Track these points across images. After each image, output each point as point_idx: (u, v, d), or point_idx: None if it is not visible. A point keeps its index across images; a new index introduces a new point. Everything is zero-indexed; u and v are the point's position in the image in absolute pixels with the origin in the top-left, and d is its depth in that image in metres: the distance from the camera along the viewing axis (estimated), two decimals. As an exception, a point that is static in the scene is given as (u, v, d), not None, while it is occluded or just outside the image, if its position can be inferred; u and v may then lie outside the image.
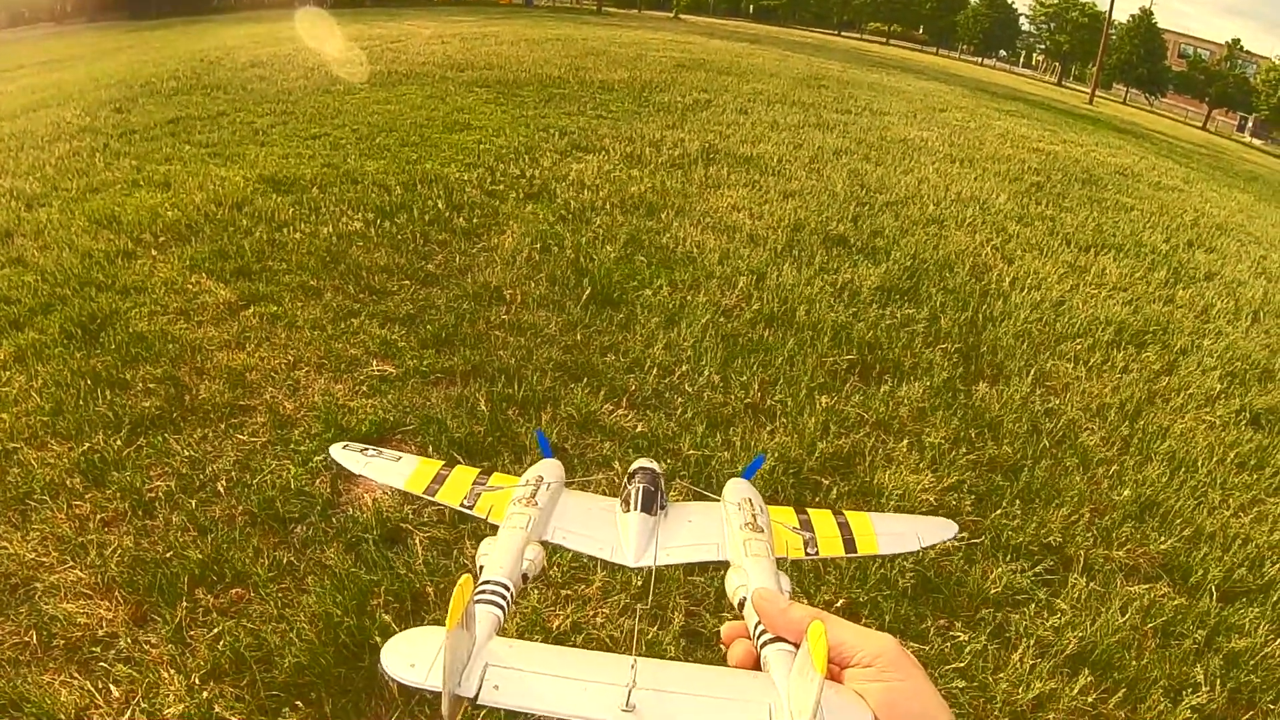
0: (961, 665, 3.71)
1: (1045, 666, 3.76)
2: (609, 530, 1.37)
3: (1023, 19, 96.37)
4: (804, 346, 6.27)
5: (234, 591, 3.82)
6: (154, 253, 7.46)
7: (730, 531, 1.33)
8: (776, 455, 4.90)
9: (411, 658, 1.03)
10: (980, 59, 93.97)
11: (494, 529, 1.37)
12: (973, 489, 4.96)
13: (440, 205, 8.78)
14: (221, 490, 4.45)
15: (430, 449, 4.79)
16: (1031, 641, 3.89)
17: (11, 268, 7.37)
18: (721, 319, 6.61)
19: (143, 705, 3.29)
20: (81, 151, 11.62)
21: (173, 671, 3.41)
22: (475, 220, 8.47)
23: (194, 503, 4.34)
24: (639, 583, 3.86)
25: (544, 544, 1.33)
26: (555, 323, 6.41)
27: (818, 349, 6.25)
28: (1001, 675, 3.68)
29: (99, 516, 4.26)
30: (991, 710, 3.54)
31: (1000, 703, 3.57)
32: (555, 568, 3.95)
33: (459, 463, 1.59)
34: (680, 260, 7.77)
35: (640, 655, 1.03)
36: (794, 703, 0.93)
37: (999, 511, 4.76)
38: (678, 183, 10.45)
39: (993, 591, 4.16)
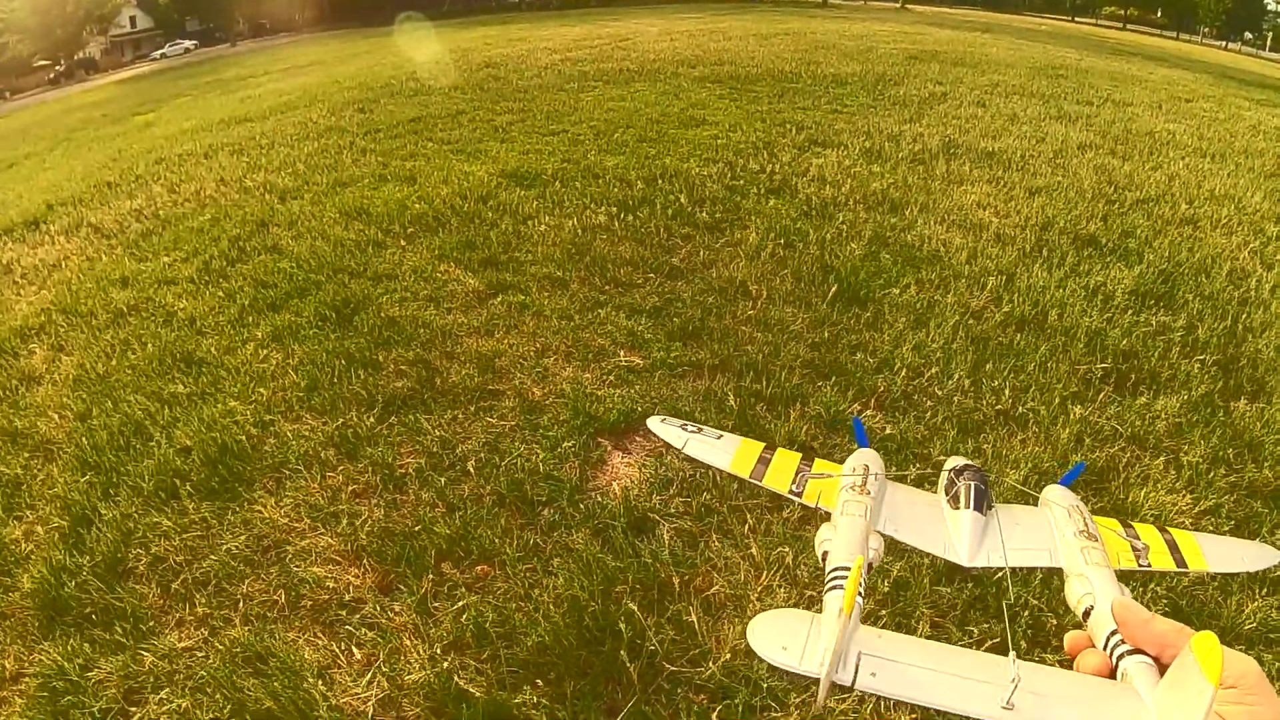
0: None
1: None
2: (938, 527, 1.35)
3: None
4: (1056, 353, 6.06)
5: (480, 568, 3.95)
6: (403, 242, 7.75)
7: (1063, 538, 1.29)
8: (1029, 464, 4.75)
9: (782, 640, 1.04)
10: (1224, 43, 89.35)
11: (825, 516, 1.37)
12: (1231, 514, 4.67)
13: (682, 200, 8.85)
14: (471, 470, 4.61)
15: (680, 441, 4.80)
16: None
17: (268, 254, 7.78)
18: (971, 321, 6.45)
19: (384, 669, 3.45)
20: (329, 148, 12.20)
21: (415, 640, 3.56)
22: (717, 215, 8.51)
23: (443, 480, 4.52)
24: (885, 588, 3.79)
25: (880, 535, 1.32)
26: (802, 319, 6.37)
27: (1071, 355, 6.03)
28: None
29: (350, 488, 4.49)
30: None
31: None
32: (801, 566, 3.94)
33: (779, 446, 1.56)
34: (926, 259, 7.63)
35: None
36: (1171, 715, 0.90)
37: (1259, 539, 4.50)
38: (919, 178, 10.28)
39: (1247, 627, 3.91)
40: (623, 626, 3.51)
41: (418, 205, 8.79)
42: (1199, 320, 6.84)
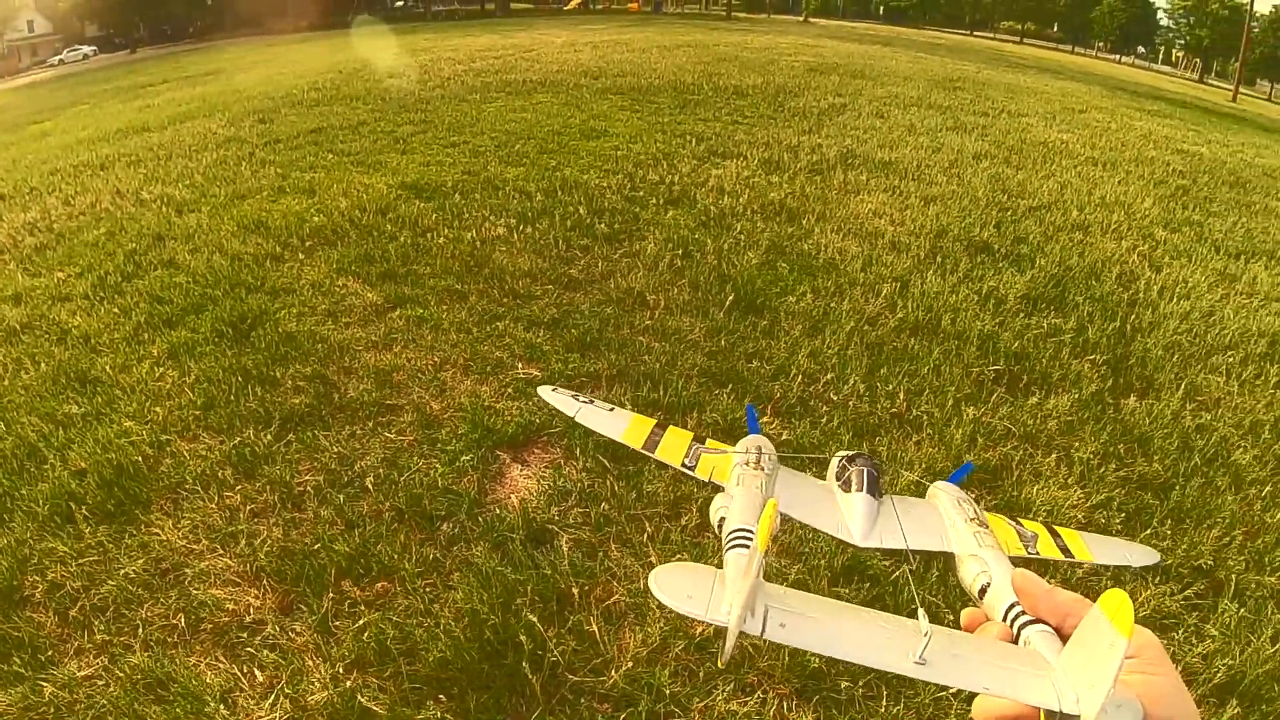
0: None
1: (1193, 695, 3.65)
2: (831, 509, 1.35)
3: (1160, 14, 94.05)
4: (950, 356, 6.19)
5: (380, 585, 3.92)
6: (301, 256, 7.68)
7: (954, 525, 1.31)
8: (923, 466, 4.84)
9: (687, 590, 1.02)
10: (1117, 56, 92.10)
11: (717, 490, 1.36)
12: (1122, 507, 4.82)
13: (581, 211, 8.87)
14: (369, 486, 4.57)
15: (577, 452, 4.83)
16: (1180, 668, 3.77)
17: (164, 269, 7.67)
18: (866, 327, 6.55)
19: (286, 691, 3.40)
20: (228, 160, 12.05)
21: (317, 660, 3.52)
22: (616, 226, 8.54)
23: (342, 497, 4.47)
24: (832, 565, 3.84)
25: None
26: (699, 328, 6.42)
27: (964, 359, 6.17)
28: (1149, 703, 3.59)
29: (249, 508, 4.43)
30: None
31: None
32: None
33: (670, 424, 1.56)
34: (822, 267, 7.73)
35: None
36: (1081, 673, 0.91)
37: (1148, 531, 4.64)
38: (816, 188, 10.40)
39: (1141, 614, 4.03)
40: (524, 639, 3.51)
41: (316, 218, 8.70)
42: (1089, 322, 7.03)
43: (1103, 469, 5.11)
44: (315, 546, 4.11)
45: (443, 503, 4.44)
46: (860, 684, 3.45)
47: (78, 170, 13.34)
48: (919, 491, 1.48)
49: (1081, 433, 5.49)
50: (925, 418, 5.41)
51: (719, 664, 0.97)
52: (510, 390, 5.50)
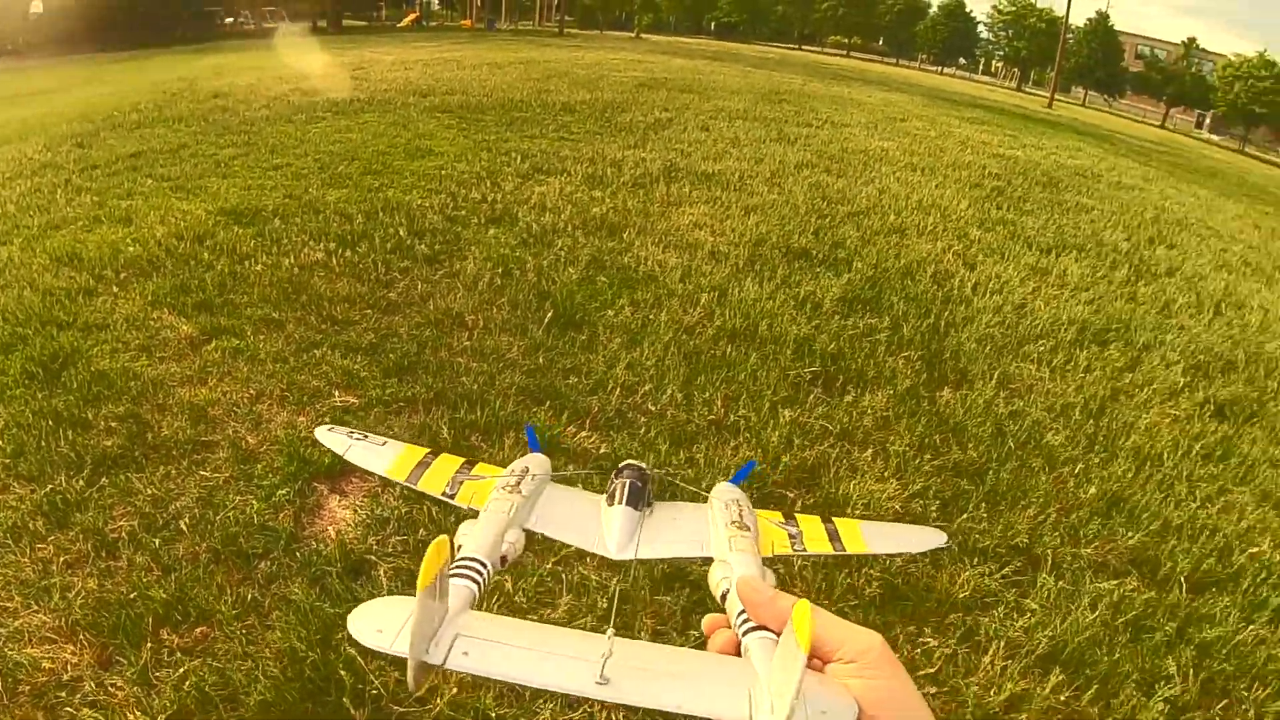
0: (932, 671, 3.72)
1: (1016, 668, 3.78)
2: (592, 523, 1.36)
3: (981, 27, 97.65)
4: (767, 361, 6.29)
5: (199, 630, 3.79)
6: (115, 289, 7.42)
7: (715, 529, 1.33)
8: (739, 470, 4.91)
9: (379, 624, 1.03)
10: (940, 68, 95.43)
11: (475, 515, 1.36)
12: (938, 494, 4.99)
13: (402, 233, 8.75)
14: (185, 528, 4.40)
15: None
16: (1002, 643, 3.90)
17: (-28, 308, 7.34)
18: (684, 337, 6.62)
19: (109, 749, 3.27)
20: (43, 188, 11.56)
21: (139, 714, 3.38)
22: (437, 247, 8.45)
23: (157, 542, 4.30)
24: (605, 604, 3.86)
25: (527, 532, 1.33)
26: (518, 347, 6.39)
27: (780, 363, 6.27)
28: (973, 679, 3.70)
29: (62, 559, 4.21)
30: (964, 714, 3.55)
31: (973, 705, 3.58)
32: (520, 593, 3.95)
33: (444, 451, 1.56)
34: (642, 279, 7.78)
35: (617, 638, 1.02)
36: (774, 685, 0.92)
37: (965, 515, 4.79)
38: (639, 202, 10.46)
39: (961, 595, 4.18)
40: (344, 674, 3.44)
41: (132, 248, 8.42)
42: (904, 320, 7.24)
43: (918, 460, 5.27)
44: (131, 595, 3.94)
45: (260, 540, 4.31)
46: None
47: (-123, 202, 12.76)
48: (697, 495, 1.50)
49: (897, 427, 5.65)
50: (742, 422, 5.47)
51: (410, 689, 0.97)
52: (328, 420, 5.36)
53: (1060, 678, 3.74)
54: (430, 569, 0.95)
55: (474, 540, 1.24)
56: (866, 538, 1.43)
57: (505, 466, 1.48)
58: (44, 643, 3.73)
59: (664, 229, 9.38)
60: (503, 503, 1.34)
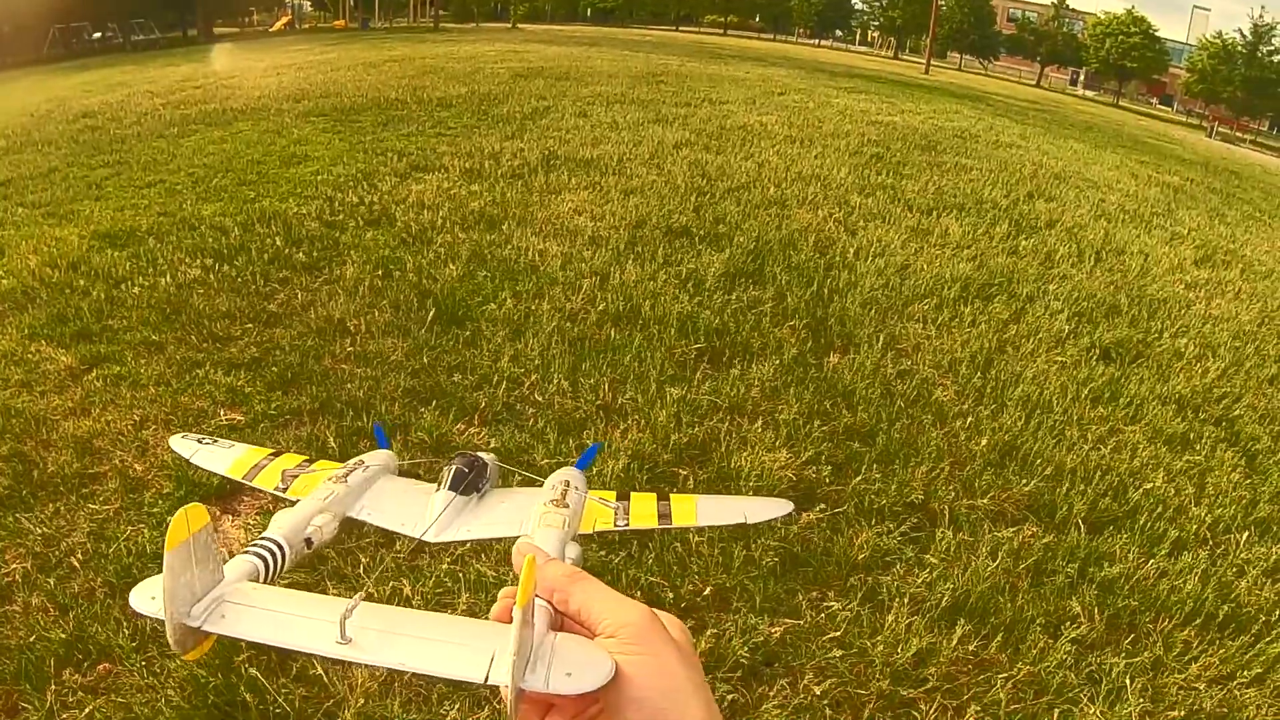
0: (837, 634, 3.77)
1: (921, 623, 3.84)
2: (417, 510, 1.36)
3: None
4: (651, 341, 6.31)
5: (101, 667, 3.71)
6: (-10, 324, 7.23)
7: (534, 509, 1.32)
8: (630, 453, 4.91)
9: (154, 592, 1.01)
10: (817, 41, 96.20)
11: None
12: (830, 459, 5.04)
13: (279, 242, 8.61)
14: (78, 564, 4.29)
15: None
16: (905, 600, 3.96)
17: None
18: (567, 324, 6.61)
19: (21, 798, 3.22)
20: (-95, 222, 11.24)
21: (47, 760, 3.32)
22: (315, 254, 8.33)
23: (52, 581, 4.18)
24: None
25: (353, 520, 1.33)
26: (401, 349, 6.33)
27: (665, 342, 6.29)
28: (879, 638, 3.75)
29: (-43, 609, 4.13)
30: (872, 674, 3.60)
31: (880, 664, 3.63)
32: (418, 595, 3.92)
33: (286, 452, 1.55)
34: (523, 271, 7.75)
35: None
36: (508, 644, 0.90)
37: (859, 478, 4.85)
38: (518, 193, 10.41)
39: (860, 557, 4.23)
40: (248, 696, 3.40)
41: (5, 280, 8.18)
42: (787, 290, 7.30)
43: (808, 427, 5.32)
44: (31, 639, 3.83)
45: (154, 569, 4.22)
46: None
47: None
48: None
49: (786, 396, 5.70)
50: (630, 405, 5.49)
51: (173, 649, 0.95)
52: (213, 441, 5.29)
53: (966, 628, 3.81)
54: (175, 535, 0.96)
55: (277, 523, 1.24)
56: (701, 512, 1.45)
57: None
58: (-54, 697, 3.65)
59: (544, 218, 9.36)
60: (321, 491, 1.33)
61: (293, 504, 1.34)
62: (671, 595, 3.89)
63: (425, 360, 6.12)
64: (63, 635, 3.80)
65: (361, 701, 3.40)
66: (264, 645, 0.98)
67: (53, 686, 3.58)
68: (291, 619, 0.99)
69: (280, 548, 1.18)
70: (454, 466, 1.40)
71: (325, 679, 3.51)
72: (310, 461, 1.50)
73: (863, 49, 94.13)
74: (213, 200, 10.56)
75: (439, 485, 1.39)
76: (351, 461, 1.45)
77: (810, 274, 7.73)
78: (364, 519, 1.34)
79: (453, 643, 0.96)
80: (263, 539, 1.18)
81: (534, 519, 1.29)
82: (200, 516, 0.97)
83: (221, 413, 5.59)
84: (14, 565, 4.32)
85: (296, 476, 1.45)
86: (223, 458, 1.54)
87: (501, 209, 9.69)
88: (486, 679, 0.90)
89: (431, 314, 6.75)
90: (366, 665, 0.92)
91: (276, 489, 1.43)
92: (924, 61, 65.56)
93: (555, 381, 5.73)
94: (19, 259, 8.66)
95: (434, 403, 5.52)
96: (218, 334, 6.65)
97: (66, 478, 4.99)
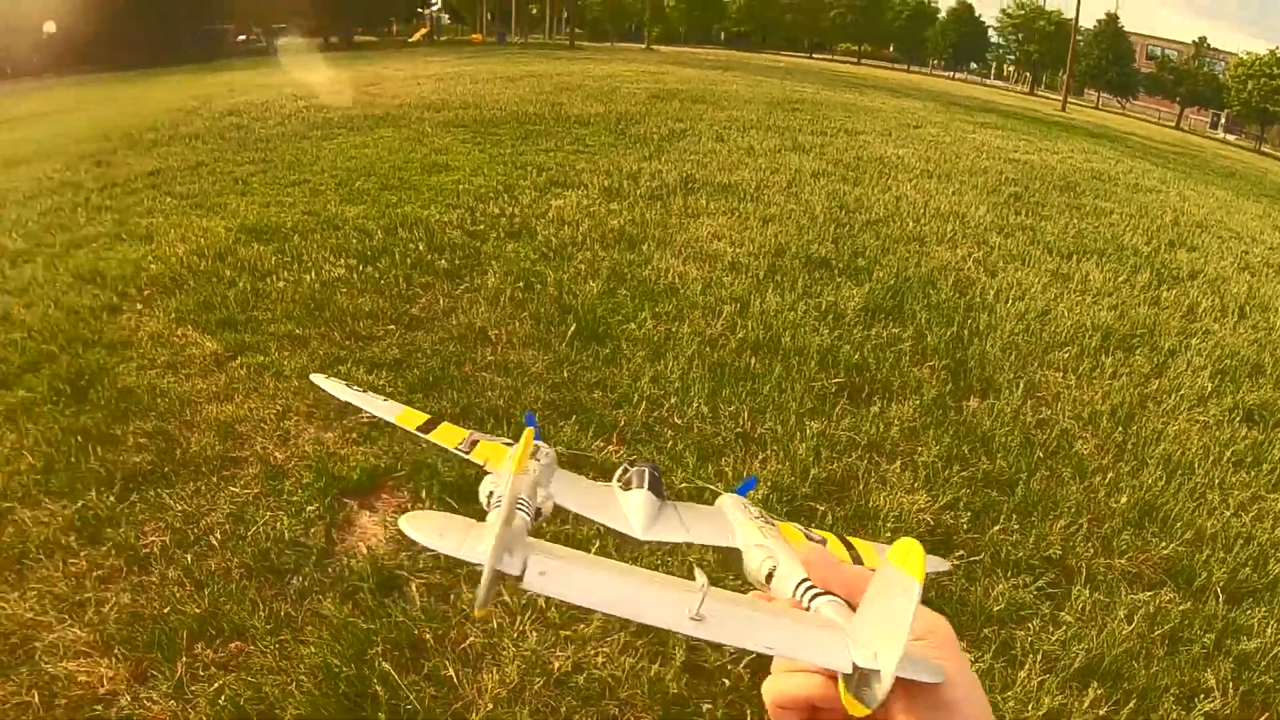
0: (969, 687, 3.70)
1: (1054, 682, 3.75)
2: (612, 505, 1.32)
3: (991, 31, 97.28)
4: (791, 372, 6.27)
5: (233, 645, 3.80)
6: (139, 307, 7.44)
7: (740, 523, 1.27)
8: (769, 484, 4.89)
9: (439, 530, 0.96)
10: (951, 73, 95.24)
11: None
12: (969, 506, 4.95)
13: (422, 248, 8.75)
14: (216, 543, 4.41)
15: (424, 495, 4.78)
16: (1038, 657, 3.87)
17: (-1, 325, 7.38)
18: (707, 349, 6.60)
19: (145, 762, 3.28)
20: (64, 207, 11.63)
21: (174, 727, 3.39)
22: (457, 261, 8.44)
23: (189, 557, 4.31)
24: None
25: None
26: (541, 361, 6.38)
27: (805, 374, 6.24)
28: (1010, 694, 3.67)
29: (95, 574, 4.23)
30: (1002, 729, 3.54)
31: (1010, 720, 3.56)
32: (554, 608, 3.94)
33: (443, 420, 1.53)
34: (663, 292, 7.76)
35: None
36: (876, 628, 0.87)
37: (997, 527, 4.76)
38: (657, 214, 10.44)
39: (995, 609, 4.15)
40: (379, 689, 3.45)
41: (154, 266, 8.44)
42: (927, 329, 7.19)
43: (947, 471, 5.23)
44: (165, 610, 3.95)
45: (291, 555, 4.32)
46: (721, 706, 3.47)
47: (-100, 220, 12.85)
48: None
49: (925, 437, 5.61)
50: (769, 435, 5.46)
51: (475, 612, 0.91)
52: (355, 436, 5.40)
53: (1098, 691, 3.71)
54: (525, 452, 0.96)
55: (514, 486, 1.14)
56: (880, 553, 1.39)
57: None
58: (79, 657, 3.74)
59: (683, 241, 9.36)
60: (528, 465, 1.28)
61: (486, 471, 1.32)
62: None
63: (565, 374, 6.16)
64: (197, 610, 3.91)
65: (490, 707, 3.42)
66: (599, 611, 0.94)
67: (183, 659, 3.68)
68: (629, 586, 0.96)
69: (529, 507, 1.11)
70: (645, 470, 1.35)
71: (455, 680, 3.55)
72: (477, 433, 1.48)
73: (998, 83, 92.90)
74: (355, 202, 10.78)
75: (629, 486, 1.34)
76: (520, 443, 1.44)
77: (950, 314, 7.63)
78: (560, 503, 1.27)
79: (802, 628, 0.93)
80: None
81: (750, 531, 1.24)
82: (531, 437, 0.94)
83: (363, 410, 5.68)
84: (153, 538, 4.46)
85: (475, 443, 1.44)
86: (386, 408, 1.54)
87: (641, 229, 9.72)
88: (854, 664, 0.86)
89: (572, 329, 6.79)
90: (722, 645, 0.86)
91: (458, 448, 1.42)
92: (1060, 98, 64.29)
93: (695, 406, 5.72)
94: (168, 246, 8.92)
95: (573, 417, 5.55)
96: (360, 333, 6.78)
97: (208, 459, 5.15)
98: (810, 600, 1.00)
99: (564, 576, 0.92)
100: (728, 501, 1.36)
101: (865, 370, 6.41)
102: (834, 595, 0.99)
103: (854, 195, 12.19)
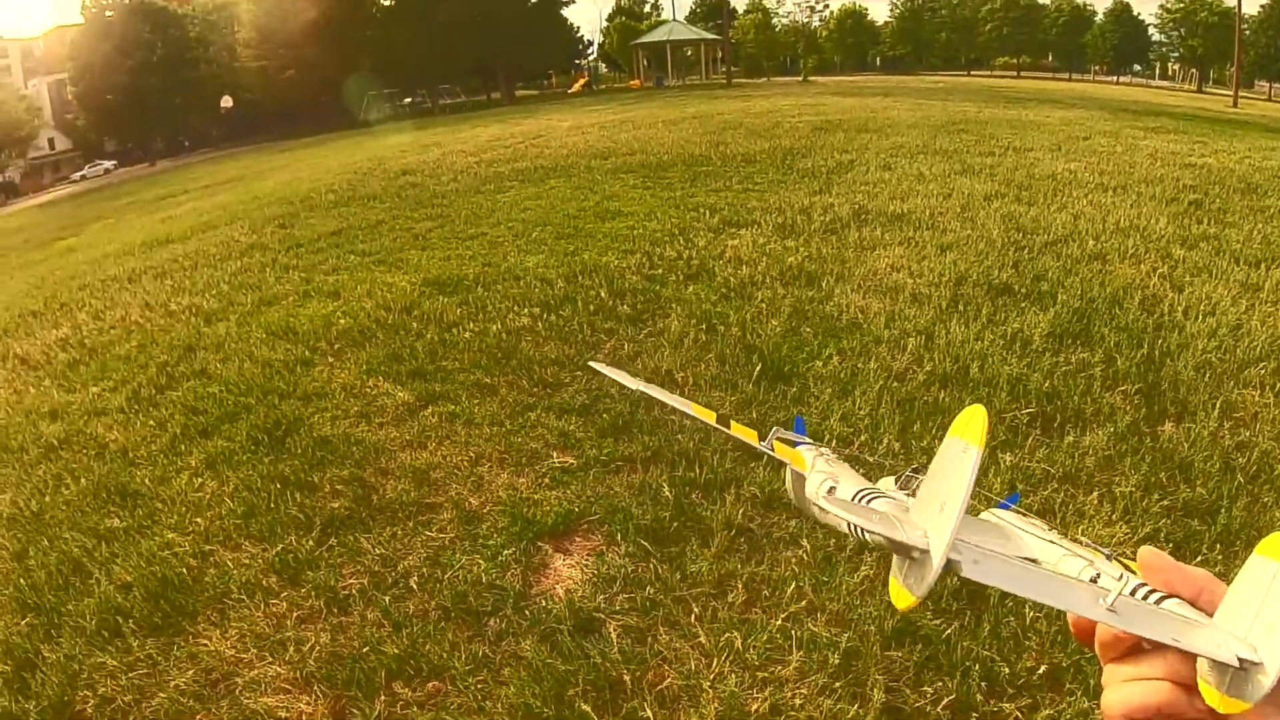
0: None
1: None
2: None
3: (1151, 29, 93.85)
4: (981, 403, 6.09)
5: (431, 685, 3.93)
6: (330, 360, 7.75)
7: (1030, 531, 1.19)
8: (965, 518, 4.82)
9: (874, 512, 0.98)
10: (1115, 77, 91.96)
11: (795, 476, 1.36)
12: (1169, 537, 4.77)
13: (603, 294, 8.89)
14: (414, 586, 4.58)
15: (618, 538, 4.83)
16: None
17: (197, 379, 7.79)
18: (895, 384, 6.53)
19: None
20: (252, 267, 12.20)
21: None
22: (639, 306, 8.56)
23: (387, 599, 4.48)
24: (836, 660, 3.82)
25: None
26: (729, 402, 6.41)
27: (995, 405, 6.13)
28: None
29: (295, 614, 4.45)
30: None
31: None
32: (751, 649, 3.95)
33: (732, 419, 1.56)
34: (846, 328, 7.71)
35: None
36: (1252, 622, 0.85)
37: (1199, 558, 4.57)
38: (833, 248, 10.39)
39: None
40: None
41: (343, 320, 8.79)
42: (1117, 352, 6.97)
43: (1146, 501, 5.05)
44: (364, 650, 4.13)
45: (488, 598, 4.44)
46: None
47: (106, 284, 13.65)
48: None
49: (1121, 466, 5.44)
50: (961, 470, 5.34)
51: (908, 601, 0.88)
52: (547, 480, 5.52)
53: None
54: (976, 428, 0.92)
55: (853, 482, 1.25)
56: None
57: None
58: (279, 693, 3.93)
59: (861, 274, 9.29)
60: (840, 464, 1.36)
61: (794, 473, 1.36)
62: (1007, 670, 3.78)
63: (754, 415, 6.18)
64: (395, 650, 4.05)
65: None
66: (1017, 597, 0.94)
67: (382, 697, 3.83)
68: (1052, 580, 0.97)
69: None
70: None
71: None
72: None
73: (1163, 84, 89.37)
74: (534, 252, 11.04)
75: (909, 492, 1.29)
76: (810, 443, 1.45)
77: (1139, 335, 7.37)
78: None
79: (1189, 625, 0.90)
80: (866, 489, 1.19)
81: (1049, 546, 1.15)
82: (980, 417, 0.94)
83: (554, 455, 5.81)
84: (351, 581, 4.65)
85: (775, 440, 1.46)
86: (677, 400, 1.59)
87: (819, 264, 9.69)
88: (1243, 656, 0.83)
89: (758, 369, 6.80)
90: (1132, 633, 0.82)
91: (761, 445, 1.45)
92: (1231, 94, 61.64)
93: (885, 442, 5.67)
94: (355, 302, 9.26)
95: (764, 459, 5.45)
96: (547, 380, 6.93)
97: (404, 505, 5.34)
98: (1157, 604, 0.97)
99: (993, 567, 0.92)
100: (1003, 514, 1.32)
101: (1056, 398, 6.25)
102: (1179, 598, 0.96)
103: (1029, 216, 11.93)
